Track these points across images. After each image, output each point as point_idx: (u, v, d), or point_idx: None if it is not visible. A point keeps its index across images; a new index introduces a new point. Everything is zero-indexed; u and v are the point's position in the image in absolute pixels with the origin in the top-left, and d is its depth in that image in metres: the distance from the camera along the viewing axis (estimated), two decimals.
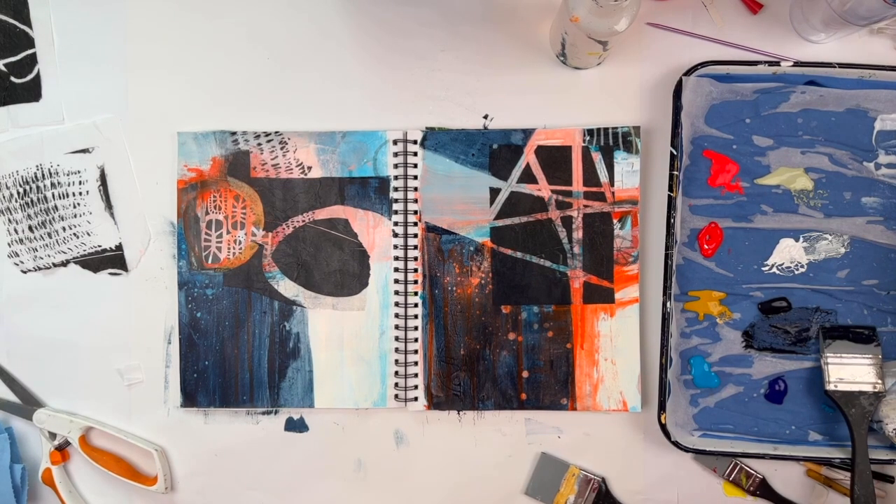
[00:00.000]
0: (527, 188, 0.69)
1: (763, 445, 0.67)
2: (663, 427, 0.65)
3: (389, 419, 0.70)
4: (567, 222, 0.69)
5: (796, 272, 0.68)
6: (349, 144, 0.69)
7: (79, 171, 0.70)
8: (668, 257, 0.66)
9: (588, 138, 0.68)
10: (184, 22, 0.70)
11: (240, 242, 0.70)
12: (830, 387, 0.65)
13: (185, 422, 0.70)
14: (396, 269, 0.69)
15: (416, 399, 0.69)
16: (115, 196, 0.71)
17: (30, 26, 0.71)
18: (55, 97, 0.71)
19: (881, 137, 0.67)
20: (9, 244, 0.71)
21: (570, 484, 0.69)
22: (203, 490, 0.71)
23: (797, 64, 0.66)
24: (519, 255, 0.69)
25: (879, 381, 0.64)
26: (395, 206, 0.69)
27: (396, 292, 0.69)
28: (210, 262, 0.70)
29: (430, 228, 0.69)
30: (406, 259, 0.69)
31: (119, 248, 0.71)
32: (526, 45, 0.69)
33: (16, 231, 0.71)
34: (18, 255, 0.71)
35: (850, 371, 0.65)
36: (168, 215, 0.70)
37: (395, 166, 0.69)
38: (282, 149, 0.69)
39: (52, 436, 0.70)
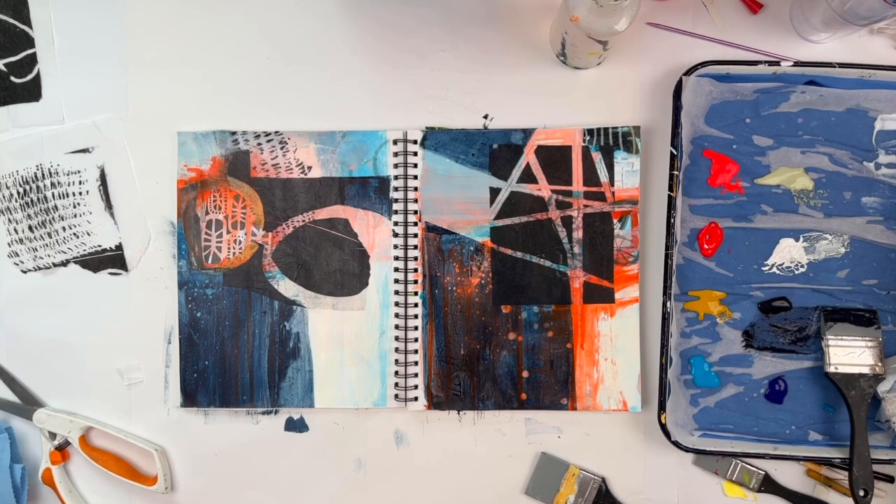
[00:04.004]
0: (527, 188, 0.69)
1: (763, 445, 0.67)
2: (663, 427, 0.65)
3: (389, 419, 0.70)
4: (567, 222, 0.69)
5: (796, 272, 0.68)
6: (349, 144, 0.69)
7: (79, 171, 0.70)
8: (668, 257, 0.66)
9: (588, 138, 0.68)
10: (184, 21, 0.70)
11: (240, 242, 0.70)
12: (830, 369, 0.65)
13: (185, 422, 0.70)
14: (396, 269, 0.69)
15: (416, 399, 0.69)
16: (115, 196, 0.71)
17: (30, 26, 0.71)
18: (55, 97, 0.71)
19: (881, 137, 0.67)
20: (9, 244, 0.71)
21: (570, 484, 0.69)
22: (203, 490, 0.71)
23: (797, 64, 0.66)
24: (519, 254, 0.69)
25: (879, 363, 0.65)
26: (395, 206, 0.69)
27: (396, 292, 0.69)
28: (210, 261, 0.70)
29: (430, 228, 0.69)
30: (406, 259, 0.69)
31: (119, 247, 0.71)
32: (526, 45, 0.69)
33: (16, 231, 0.71)
34: (18, 255, 0.71)
35: (850, 353, 0.65)
36: (168, 215, 0.70)
37: (395, 166, 0.69)
38: (282, 149, 0.69)
39: (52, 436, 0.70)
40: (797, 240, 0.68)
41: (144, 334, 0.70)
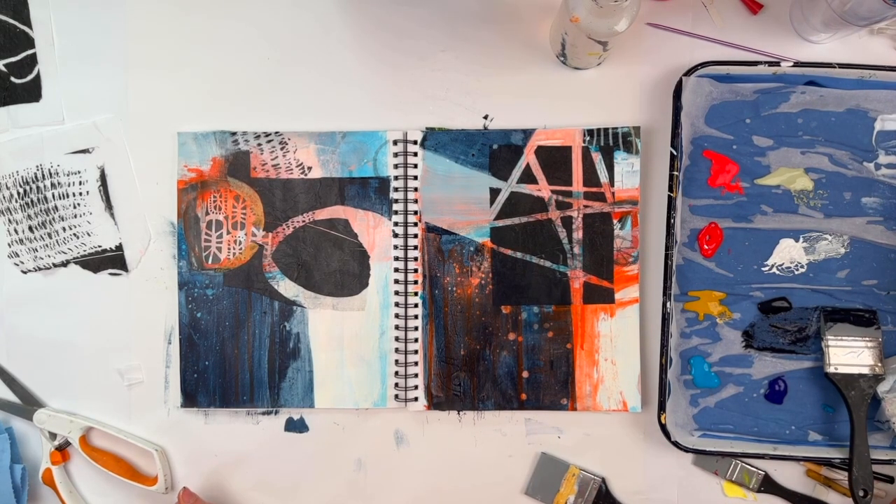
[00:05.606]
0: (527, 188, 0.69)
1: (763, 445, 0.67)
2: (663, 427, 0.66)
3: (389, 419, 0.70)
4: (567, 222, 0.69)
5: (796, 272, 0.68)
6: (349, 144, 0.69)
7: (79, 172, 0.70)
8: (668, 257, 0.66)
9: (588, 138, 0.68)
10: (184, 22, 0.70)
11: (240, 243, 0.70)
12: (830, 369, 0.65)
13: (185, 422, 0.70)
14: (396, 270, 0.69)
15: (416, 399, 0.69)
16: (115, 196, 0.71)
17: (30, 26, 0.71)
18: (55, 97, 0.71)
19: (881, 137, 0.67)
20: (9, 244, 0.71)
21: (570, 484, 0.69)
22: (203, 490, 0.71)
23: (797, 64, 0.66)
24: (519, 255, 0.69)
25: (879, 364, 0.65)
26: (396, 207, 0.69)
27: (396, 292, 0.69)
28: (210, 262, 0.70)
29: (430, 228, 0.69)
30: (406, 259, 0.69)
31: (119, 248, 0.71)
32: (526, 45, 0.69)
33: (16, 231, 0.71)
34: (18, 256, 0.71)
35: (850, 353, 0.65)
36: (168, 215, 0.70)
37: (396, 166, 0.69)
38: (282, 149, 0.69)
39: (53, 436, 0.70)
40: (797, 240, 0.68)
41: (144, 334, 0.70)
